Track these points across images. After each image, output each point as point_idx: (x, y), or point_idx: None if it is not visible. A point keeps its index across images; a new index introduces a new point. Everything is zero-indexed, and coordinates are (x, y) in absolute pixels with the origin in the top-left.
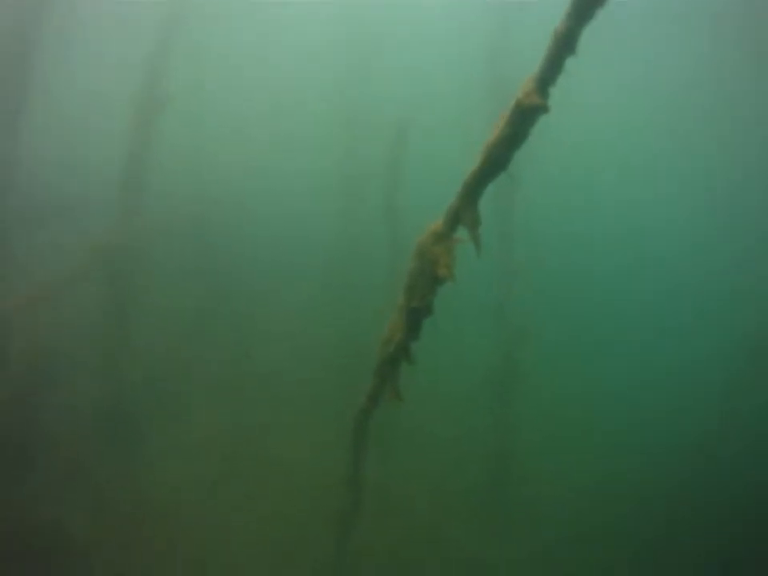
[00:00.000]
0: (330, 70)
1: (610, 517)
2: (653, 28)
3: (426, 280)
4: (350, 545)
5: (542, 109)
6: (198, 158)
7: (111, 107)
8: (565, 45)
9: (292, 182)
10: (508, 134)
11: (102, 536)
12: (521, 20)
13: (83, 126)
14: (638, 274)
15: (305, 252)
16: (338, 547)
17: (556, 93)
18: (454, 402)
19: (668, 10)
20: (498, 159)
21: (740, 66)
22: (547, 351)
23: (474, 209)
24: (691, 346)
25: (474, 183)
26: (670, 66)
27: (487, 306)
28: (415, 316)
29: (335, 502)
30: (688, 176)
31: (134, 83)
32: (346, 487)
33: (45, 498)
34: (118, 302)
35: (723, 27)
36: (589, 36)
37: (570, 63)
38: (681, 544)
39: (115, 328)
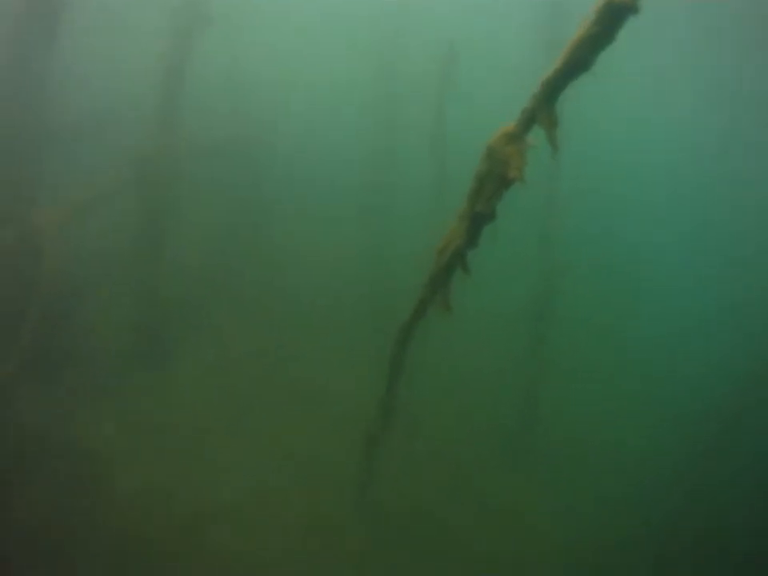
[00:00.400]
0: None
1: (639, 457)
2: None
3: (494, 183)
4: (375, 466)
5: (632, 9)
6: (237, 74)
7: (151, 22)
8: None
9: (332, 98)
10: (594, 32)
11: (128, 454)
12: None
13: (121, 40)
14: (682, 214)
15: (342, 172)
16: (363, 467)
17: None
18: (491, 334)
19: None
20: (581, 59)
21: None
22: (587, 286)
23: (551, 109)
24: (730, 292)
25: (555, 83)
26: None
27: (531, 238)
28: (478, 221)
29: (363, 423)
30: None
31: None
32: (377, 409)
33: (72, 415)
34: (151, 218)
35: None
36: None
37: None
38: (712, 475)
39: (148, 244)
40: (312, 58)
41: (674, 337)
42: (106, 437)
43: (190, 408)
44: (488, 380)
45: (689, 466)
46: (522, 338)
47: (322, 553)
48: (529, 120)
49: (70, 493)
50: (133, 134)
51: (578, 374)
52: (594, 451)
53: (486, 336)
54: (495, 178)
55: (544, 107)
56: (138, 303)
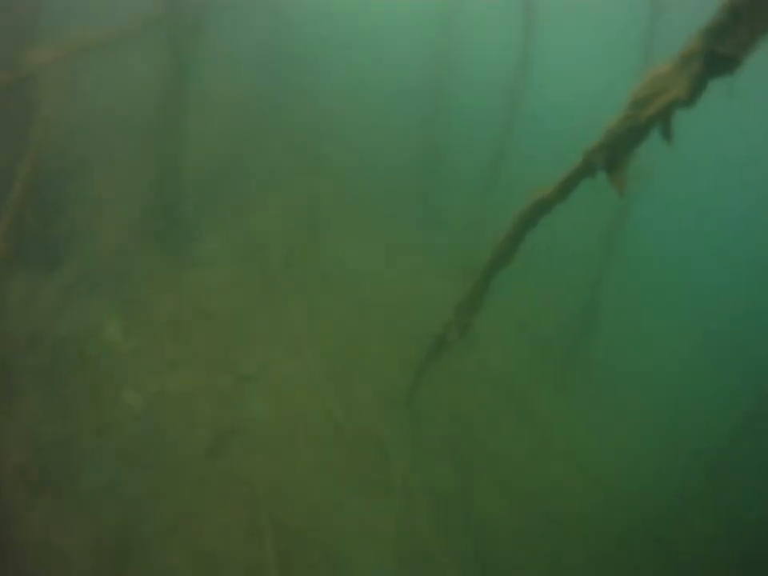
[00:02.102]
0: None
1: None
2: None
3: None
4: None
5: None
6: None
7: None
8: None
9: None
10: None
11: (137, 358)
12: None
13: None
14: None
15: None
16: (418, 370)
17: None
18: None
19: None
20: None
21: None
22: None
23: None
24: None
25: None
26: None
27: None
28: (715, 67)
29: (404, 316)
30: None
31: None
32: (454, 310)
33: (69, 309)
34: (172, 75)
35: None
36: None
37: None
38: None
39: (167, 107)
40: None
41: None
42: (111, 336)
43: (213, 299)
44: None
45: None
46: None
47: (362, 469)
48: None
49: (65, 406)
50: None
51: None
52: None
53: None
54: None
55: None
56: (156, 176)
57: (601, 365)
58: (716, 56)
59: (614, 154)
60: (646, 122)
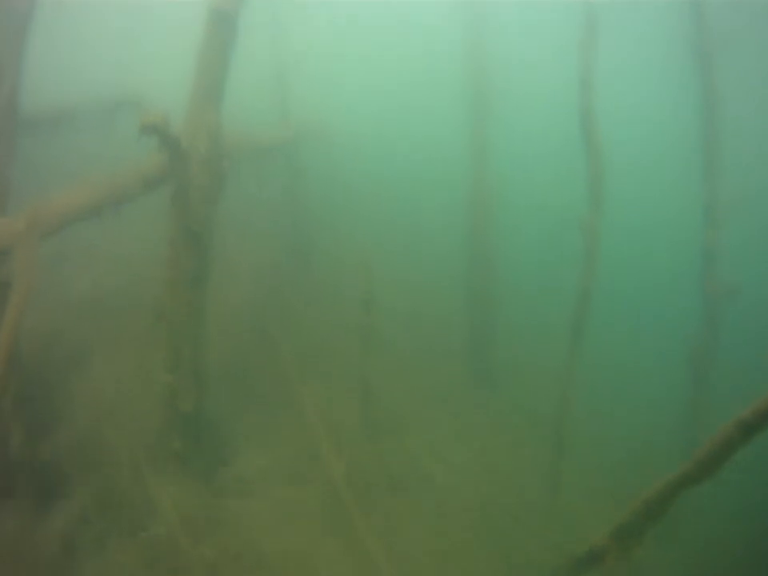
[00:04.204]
0: None
1: None
2: None
3: None
4: None
5: None
6: None
7: None
8: None
9: None
10: None
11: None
12: None
13: None
14: None
15: None
16: None
17: None
18: None
19: None
20: None
21: None
22: None
23: None
24: None
25: None
26: None
27: None
28: None
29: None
30: None
31: None
32: None
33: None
34: (187, 243)
35: None
36: None
37: None
38: None
39: (179, 280)
40: None
41: None
42: None
43: (256, 540)
44: None
45: None
46: None
47: None
48: None
49: None
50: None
51: None
52: None
53: None
54: None
55: None
56: (170, 370)
57: None
58: None
59: None
60: None
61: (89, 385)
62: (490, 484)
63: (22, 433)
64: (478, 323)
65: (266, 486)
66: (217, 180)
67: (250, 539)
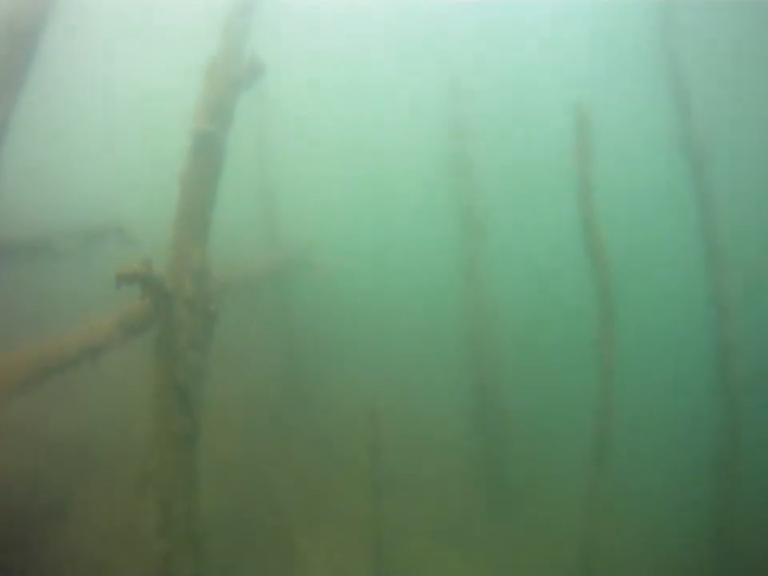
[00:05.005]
0: None
1: None
2: None
3: None
4: None
5: None
6: None
7: None
8: None
9: None
10: None
11: None
12: None
13: None
14: None
15: None
16: None
17: None
18: None
19: None
20: None
21: None
22: None
23: None
24: None
25: None
26: None
27: None
28: None
29: None
30: None
31: None
32: None
33: None
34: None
35: None
36: None
37: None
38: None
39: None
40: None
41: None
42: None
43: None
44: None
45: None
46: None
47: None
48: None
49: None
50: None
51: None
52: None
53: None
54: None
55: None
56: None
57: None
58: None
59: None
60: None
61: (69, 543)
62: None
63: None
64: (487, 449)
65: None
66: (206, 324)
67: None
